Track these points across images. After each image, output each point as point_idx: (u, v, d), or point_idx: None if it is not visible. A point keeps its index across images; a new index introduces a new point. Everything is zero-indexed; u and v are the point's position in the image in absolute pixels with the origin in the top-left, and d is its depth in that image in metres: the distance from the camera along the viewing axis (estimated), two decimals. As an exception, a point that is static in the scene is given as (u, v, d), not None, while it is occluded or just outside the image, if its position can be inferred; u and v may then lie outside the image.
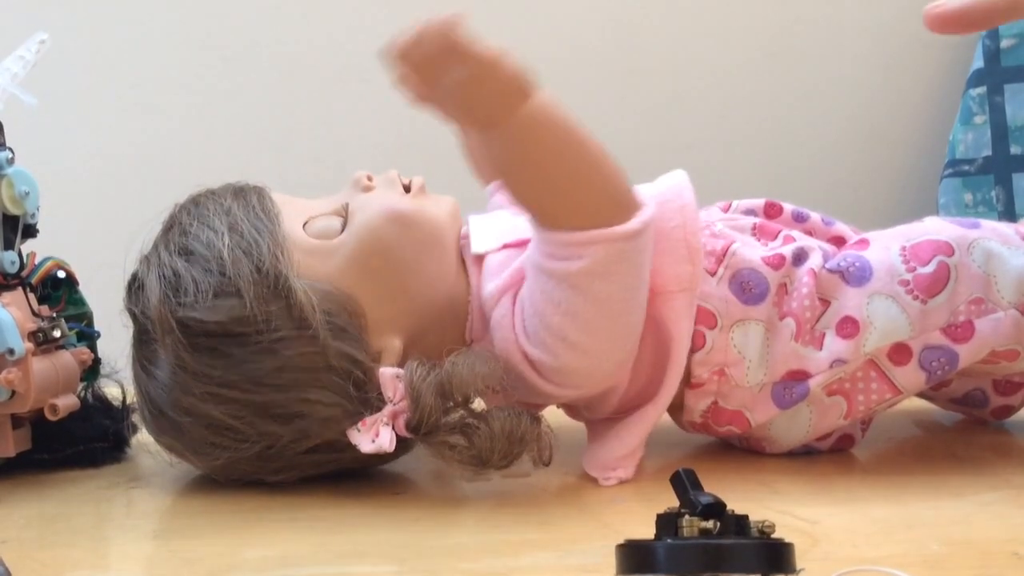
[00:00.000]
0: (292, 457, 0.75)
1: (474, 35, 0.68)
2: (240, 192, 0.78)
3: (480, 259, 0.80)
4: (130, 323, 0.77)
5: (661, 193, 0.78)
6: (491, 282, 0.78)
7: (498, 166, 0.74)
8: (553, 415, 0.79)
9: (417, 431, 0.72)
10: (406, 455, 0.78)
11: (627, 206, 0.73)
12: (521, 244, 0.79)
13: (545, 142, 0.72)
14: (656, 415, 0.78)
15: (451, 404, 0.72)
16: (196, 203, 0.78)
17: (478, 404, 0.73)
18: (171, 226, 0.77)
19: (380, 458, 0.74)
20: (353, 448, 0.72)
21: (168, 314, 0.73)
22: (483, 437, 0.71)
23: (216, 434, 0.74)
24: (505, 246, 0.80)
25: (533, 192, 0.73)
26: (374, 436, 0.72)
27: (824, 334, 0.78)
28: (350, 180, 0.80)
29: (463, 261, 0.80)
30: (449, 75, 0.69)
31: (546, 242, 0.72)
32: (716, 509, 0.51)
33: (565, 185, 0.72)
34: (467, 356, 0.73)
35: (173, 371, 0.74)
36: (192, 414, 0.74)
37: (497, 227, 0.82)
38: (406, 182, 0.80)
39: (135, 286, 0.77)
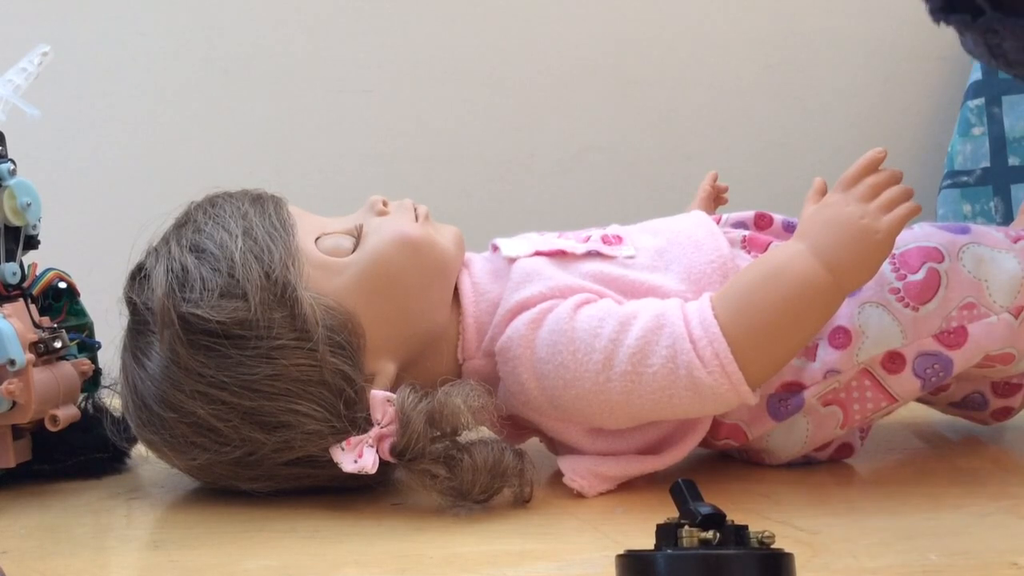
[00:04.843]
0: (271, 467, 0.75)
1: (898, 227, 0.73)
2: (258, 199, 0.79)
3: (495, 272, 0.80)
4: (127, 312, 0.78)
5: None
6: (524, 289, 0.78)
7: (770, 268, 0.74)
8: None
9: (401, 456, 0.72)
10: (383, 479, 0.78)
11: (763, 383, 0.75)
12: (554, 254, 0.80)
13: (812, 310, 0.73)
14: (652, 468, 0.78)
15: (438, 434, 0.72)
16: (213, 203, 0.78)
17: (463, 437, 0.74)
18: (185, 222, 0.78)
19: (357, 479, 0.73)
20: (332, 466, 0.72)
21: (171, 307, 0.73)
22: (466, 469, 0.72)
23: (198, 434, 0.74)
24: (538, 252, 0.80)
25: (763, 313, 0.72)
26: (357, 456, 0.72)
27: (817, 345, 0.78)
28: (366, 203, 0.80)
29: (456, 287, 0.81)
30: (860, 207, 0.73)
31: (711, 337, 0.72)
32: (716, 519, 0.51)
33: (778, 339, 0.73)
34: (461, 388, 0.73)
35: (166, 365, 0.74)
36: (178, 410, 0.74)
37: (527, 240, 0.83)
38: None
39: (140, 276, 0.77)
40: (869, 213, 0.72)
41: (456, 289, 0.80)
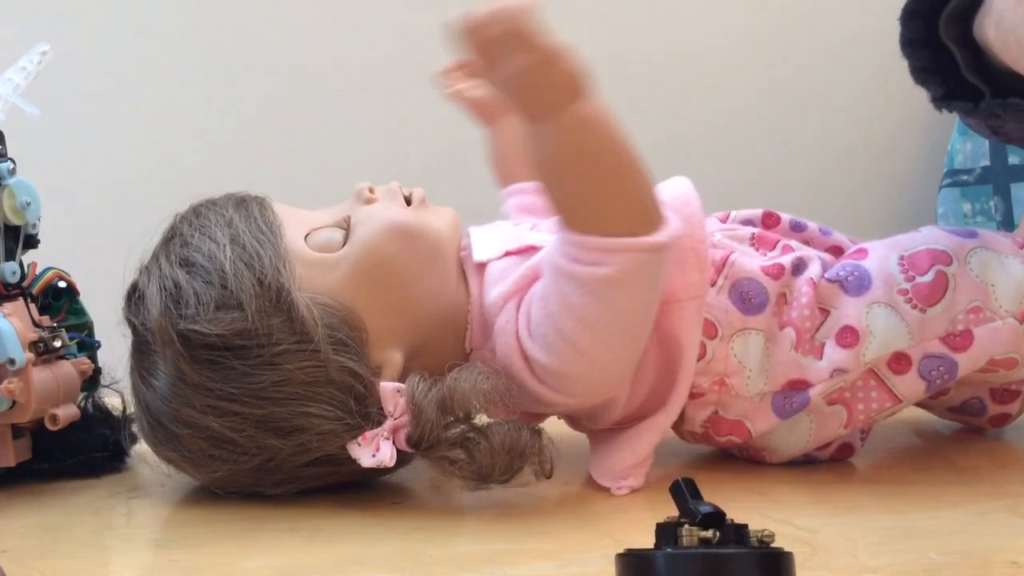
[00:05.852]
0: (291, 470, 0.75)
1: (542, 27, 0.68)
2: (241, 203, 0.78)
3: (481, 268, 0.80)
4: (129, 333, 0.78)
5: (668, 202, 0.77)
6: (494, 289, 0.78)
7: (539, 162, 0.73)
8: (554, 425, 0.79)
9: (418, 446, 0.72)
10: (404, 467, 0.78)
11: (655, 218, 0.73)
12: (523, 251, 0.79)
13: (589, 144, 0.71)
14: (667, 423, 0.78)
15: (452, 419, 0.72)
16: (197, 213, 0.78)
17: (479, 419, 0.74)
18: (172, 236, 0.77)
19: (379, 471, 0.74)
20: (352, 461, 0.72)
21: (169, 326, 0.73)
22: (483, 452, 0.71)
23: (215, 447, 0.74)
24: (507, 253, 0.80)
25: (570, 192, 0.72)
26: (375, 450, 0.72)
27: (824, 344, 0.78)
28: (352, 192, 0.80)
29: (463, 272, 0.80)
30: (510, 60, 0.69)
31: (573, 245, 0.72)
32: (716, 518, 0.52)
33: (602, 189, 0.72)
34: (469, 372, 0.73)
35: (173, 383, 0.74)
36: (191, 426, 0.74)
37: (498, 236, 0.82)
38: (406, 194, 0.80)
39: (135, 296, 0.77)
40: (500, 62, 0.69)
41: (466, 277, 0.80)
